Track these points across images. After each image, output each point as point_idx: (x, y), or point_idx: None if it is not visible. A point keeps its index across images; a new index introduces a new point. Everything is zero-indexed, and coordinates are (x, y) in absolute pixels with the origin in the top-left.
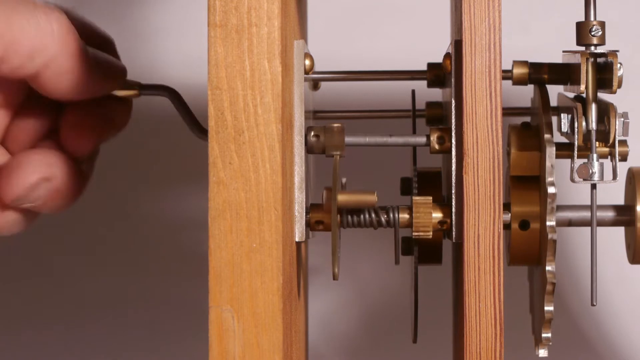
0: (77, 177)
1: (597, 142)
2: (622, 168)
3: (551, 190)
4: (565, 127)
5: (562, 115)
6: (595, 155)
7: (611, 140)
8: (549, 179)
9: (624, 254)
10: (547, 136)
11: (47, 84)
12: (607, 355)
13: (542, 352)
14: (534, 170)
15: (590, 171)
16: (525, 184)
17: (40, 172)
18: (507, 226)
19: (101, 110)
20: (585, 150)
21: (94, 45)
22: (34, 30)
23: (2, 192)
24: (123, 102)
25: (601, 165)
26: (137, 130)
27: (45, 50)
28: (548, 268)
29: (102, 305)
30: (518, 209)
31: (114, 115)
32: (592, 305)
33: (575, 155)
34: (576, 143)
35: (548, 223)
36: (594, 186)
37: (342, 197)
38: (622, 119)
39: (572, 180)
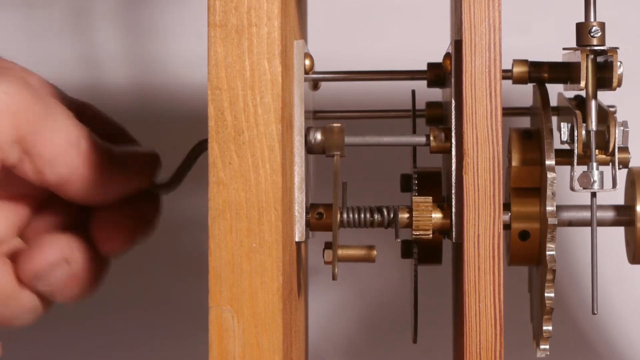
0: (97, 267)
1: (596, 150)
2: (622, 175)
3: (551, 175)
4: (565, 136)
5: (562, 124)
6: (595, 164)
7: (611, 149)
8: (548, 167)
9: (624, 254)
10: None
11: (70, 194)
12: (607, 355)
13: (543, 350)
14: (535, 183)
15: (591, 180)
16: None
17: (61, 253)
18: (507, 226)
19: (131, 208)
20: (585, 158)
21: (113, 137)
22: (62, 140)
23: (21, 270)
24: (152, 198)
25: (601, 173)
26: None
27: (68, 161)
28: (548, 254)
29: (101, 305)
30: (518, 209)
31: (145, 211)
32: (593, 313)
33: (575, 163)
34: (576, 151)
35: (548, 208)
36: (594, 194)
37: (342, 252)
38: (622, 128)
39: (572, 188)
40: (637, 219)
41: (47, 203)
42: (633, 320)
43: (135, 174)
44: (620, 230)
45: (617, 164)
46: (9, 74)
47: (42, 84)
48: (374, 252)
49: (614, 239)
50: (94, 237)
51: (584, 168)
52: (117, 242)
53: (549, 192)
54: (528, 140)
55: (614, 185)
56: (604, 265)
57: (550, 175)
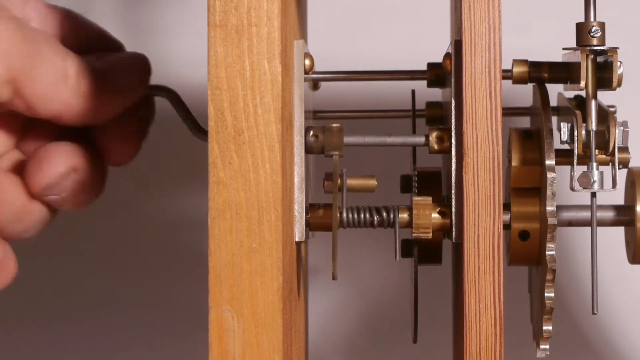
0: (101, 172)
1: (596, 150)
2: (622, 174)
3: (551, 175)
4: (565, 136)
5: (562, 124)
6: (595, 164)
7: (611, 149)
8: (548, 166)
9: (624, 254)
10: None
11: (66, 123)
12: (607, 355)
13: (543, 350)
14: (535, 183)
15: (591, 180)
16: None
17: (70, 162)
18: (507, 226)
19: (133, 116)
20: (585, 158)
21: (103, 50)
22: (52, 77)
23: (31, 181)
24: (146, 101)
25: (601, 173)
26: None
27: (60, 97)
28: (548, 254)
29: (101, 305)
30: (518, 209)
31: (143, 115)
32: (593, 313)
33: (575, 163)
34: (576, 151)
35: (548, 208)
36: (593, 194)
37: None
38: (622, 128)
39: (572, 188)
40: (637, 219)
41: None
42: (633, 320)
43: (128, 87)
44: (620, 230)
45: (617, 164)
46: (5, 22)
47: (28, 11)
48: (374, 182)
49: (614, 239)
50: (102, 150)
51: (584, 168)
52: (126, 153)
53: (549, 192)
54: (528, 140)
55: (614, 185)
56: (604, 265)
57: (550, 175)
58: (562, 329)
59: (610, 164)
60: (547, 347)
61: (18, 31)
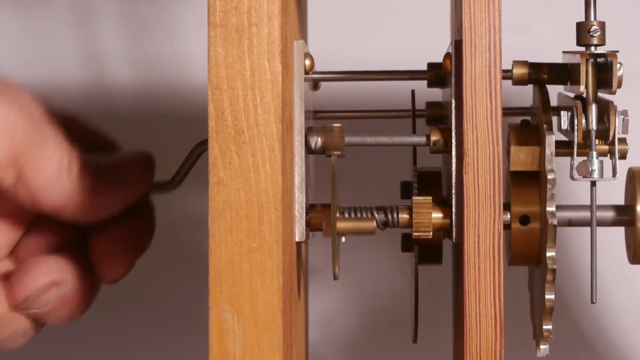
0: (88, 288)
1: (596, 140)
2: (622, 166)
3: (551, 176)
4: (565, 124)
5: (562, 112)
6: (595, 153)
7: (611, 138)
8: (548, 167)
9: (624, 254)
10: (546, 126)
11: (65, 218)
12: (607, 355)
13: (543, 350)
14: (534, 165)
15: (590, 169)
16: (525, 181)
17: (51, 275)
18: (507, 226)
19: (129, 229)
20: (585, 147)
21: (101, 148)
22: (55, 166)
23: (12, 293)
24: (147, 215)
25: (601, 162)
26: (137, 130)
27: (62, 188)
28: (548, 254)
29: (101, 305)
30: (518, 209)
31: (141, 230)
32: (592, 302)
33: (575, 152)
34: (576, 140)
35: (548, 209)
36: (593, 184)
37: (341, 225)
38: (622, 117)
39: (572, 177)
40: (637, 219)
41: (40, 221)
42: (633, 320)
43: (130, 184)
44: (620, 230)
45: (617, 153)
46: (3, 92)
47: (32, 102)
48: (374, 224)
49: (614, 239)
50: (94, 265)
51: (584, 159)
52: (118, 269)
53: (549, 194)
54: (525, 127)
55: (614, 174)
56: (604, 265)
57: (550, 176)
58: (562, 329)
59: (610, 153)
60: (547, 347)
61: (23, 113)
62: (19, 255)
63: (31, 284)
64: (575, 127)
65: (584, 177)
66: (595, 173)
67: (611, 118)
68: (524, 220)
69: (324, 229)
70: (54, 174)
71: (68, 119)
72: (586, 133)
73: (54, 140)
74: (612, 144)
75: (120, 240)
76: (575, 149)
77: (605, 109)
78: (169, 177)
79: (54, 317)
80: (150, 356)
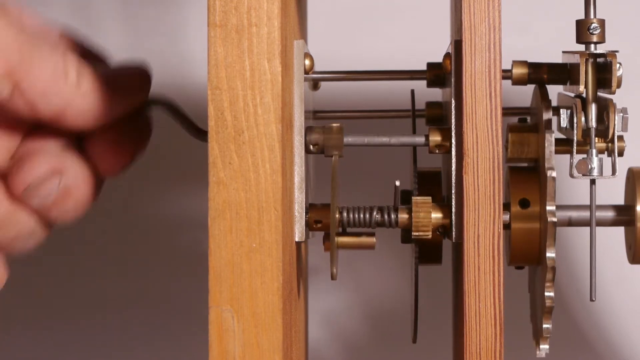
0: (89, 180)
1: (596, 138)
2: (621, 165)
3: (551, 174)
4: (564, 122)
5: (561, 110)
6: (594, 151)
7: (610, 136)
8: (548, 165)
9: (624, 254)
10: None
11: (66, 125)
12: (607, 355)
13: (543, 348)
14: (532, 153)
15: (590, 166)
16: (525, 180)
17: (51, 163)
18: (507, 226)
19: (127, 125)
20: (584, 145)
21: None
22: (50, 71)
23: (13, 183)
24: (143, 114)
25: (600, 160)
26: None
27: (59, 93)
28: (548, 253)
29: (101, 305)
30: (517, 208)
31: (139, 126)
32: (591, 300)
33: (575, 150)
34: (575, 138)
35: (548, 208)
36: (593, 182)
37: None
38: (622, 114)
39: (572, 175)
40: (637, 219)
41: (37, 127)
42: (633, 320)
43: (128, 91)
44: (620, 230)
45: (616, 151)
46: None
47: (21, 13)
48: (374, 240)
49: (614, 239)
50: (92, 157)
51: (583, 157)
52: (116, 161)
53: (549, 191)
54: (524, 122)
55: (614, 172)
56: (604, 265)
57: (550, 174)
58: (562, 329)
59: (608, 151)
60: (547, 346)
61: (16, 25)
62: (19, 157)
63: (31, 172)
64: (575, 125)
65: (583, 175)
66: (595, 171)
67: (610, 116)
68: (524, 203)
69: (324, 243)
70: (50, 81)
71: (60, 32)
72: (585, 131)
73: (47, 47)
74: (612, 141)
75: (119, 135)
76: (575, 147)
77: (605, 106)
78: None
79: (57, 211)
80: (150, 356)
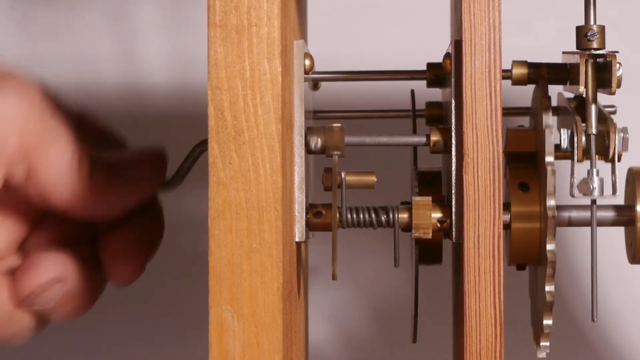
0: (93, 285)
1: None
2: (621, 165)
3: (550, 169)
4: (565, 143)
5: (561, 130)
6: (595, 170)
7: (611, 155)
8: (548, 159)
9: (624, 254)
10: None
11: (76, 215)
12: (607, 355)
13: (543, 347)
14: (530, 147)
15: (591, 187)
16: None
17: (55, 272)
18: (507, 226)
19: (139, 230)
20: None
21: (113, 145)
22: (65, 163)
23: (16, 289)
24: (156, 217)
25: (601, 180)
26: (137, 130)
27: (72, 184)
28: (548, 247)
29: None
30: (517, 208)
31: (150, 234)
32: (593, 321)
33: (575, 171)
34: (575, 158)
35: (548, 203)
36: (594, 201)
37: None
38: (622, 134)
39: (572, 195)
40: (637, 219)
41: (49, 218)
42: (633, 320)
43: (141, 182)
44: (620, 230)
45: (617, 171)
46: (14, 87)
47: (43, 97)
48: (374, 178)
49: (614, 239)
50: (105, 267)
51: (584, 173)
52: (129, 272)
53: (549, 186)
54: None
55: (614, 191)
56: (604, 265)
57: (550, 168)
58: (563, 329)
59: (611, 170)
60: (548, 344)
61: (35, 109)
62: (27, 251)
63: (35, 280)
64: (575, 144)
65: (584, 194)
66: (596, 191)
67: (611, 136)
68: (524, 185)
69: (324, 182)
70: (64, 171)
71: (78, 116)
72: (586, 150)
73: (65, 137)
74: (612, 161)
75: (131, 242)
76: (575, 167)
77: (605, 126)
78: (169, 176)
79: (57, 314)
80: (150, 356)
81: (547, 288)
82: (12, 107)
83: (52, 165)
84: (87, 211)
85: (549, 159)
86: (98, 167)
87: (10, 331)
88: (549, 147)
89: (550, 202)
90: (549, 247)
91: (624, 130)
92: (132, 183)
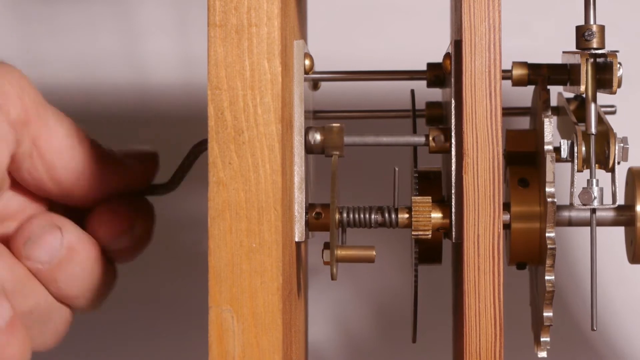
0: (94, 246)
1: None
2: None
3: (549, 158)
4: (565, 154)
5: (561, 141)
6: (595, 180)
7: (610, 165)
8: (547, 147)
9: (624, 254)
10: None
11: (73, 197)
12: (607, 355)
13: (543, 344)
14: (530, 147)
15: (592, 197)
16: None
17: (50, 220)
18: (507, 226)
19: (125, 200)
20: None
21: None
22: (64, 135)
23: (14, 243)
24: (144, 202)
25: (601, 190)
26: (137, 130)
27: (73, 157)
28: (548, 234)
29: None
30: (517, 208)
31: (139, 206)
32: (593, 330)
33: (575, 181)
34: (576, 168)
35: (547, 190)
36: (593, 211)
37: (341, 252)
38: (622, 145)
39: (572, 204)
40: (637, 218)
41: (41, 203)
42: (633, 320)
43: (132, 171)
44: (620, 230)
45: (617, 181)
46: (6, 67)
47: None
48: (373, 253)
49: (614, 239)
50: (89, 227)
51: (584, 183)
52: (112, 229)
53: (548, 174)
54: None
55: (614, 201)
56: (604, 265)
57: (549, 156)
58: (563, 329)
59: (610, 180)
60: (548, 339)
61: (29, 89)
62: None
63: (29, 226)
64: (575, 155)
65: (585, 205)
66: (596, 201)
67: (611, 147)
68: (523, 181)
69: (323, 253)
70: (65, 140)
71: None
72: (586, 160)
73: (60, 113)
74: (612, 171)
75: (114, 204)
76: (575, 178)
77: (605, 136)
78: (169, 176)
79: (65, 276)
80: (150, 356)
81: (547, 277)
82: (9, 82)
83: (53, 134)
84: (83, 191)
85: (548, 147)
86: (94, 149)
87: (28, 302)
88: (548, 136)
89: (550, 189)
90: (549, 234)
91: (624, 140)
92: (126, 168)
